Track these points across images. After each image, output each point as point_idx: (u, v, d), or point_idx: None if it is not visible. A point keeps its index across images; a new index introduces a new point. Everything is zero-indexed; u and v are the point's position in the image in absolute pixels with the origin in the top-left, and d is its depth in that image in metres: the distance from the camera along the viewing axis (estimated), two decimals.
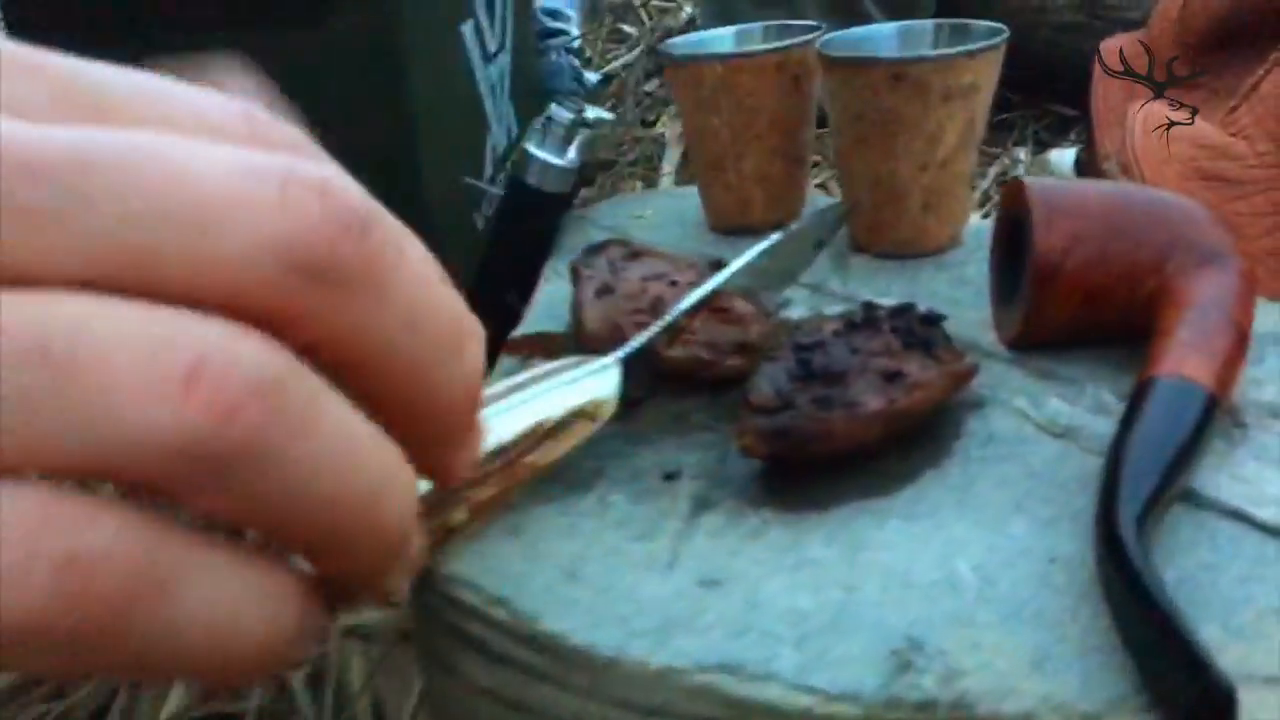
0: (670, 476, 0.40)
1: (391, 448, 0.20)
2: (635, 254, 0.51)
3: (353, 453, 0.19)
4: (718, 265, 0.49)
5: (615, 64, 1.26)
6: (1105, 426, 0.39)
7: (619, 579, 0.34)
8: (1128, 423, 0.35)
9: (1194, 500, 0.35)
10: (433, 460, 0.22)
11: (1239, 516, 0.34)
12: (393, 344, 0.20)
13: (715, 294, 0.45)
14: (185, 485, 0.17)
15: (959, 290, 0.52)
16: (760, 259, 0.48)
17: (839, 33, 0.57)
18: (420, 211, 0.66)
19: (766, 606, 0.33)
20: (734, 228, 0.63)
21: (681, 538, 0.36)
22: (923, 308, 0.42)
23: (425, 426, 0.21)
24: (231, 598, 0.18)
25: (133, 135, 0.17)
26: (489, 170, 0.81)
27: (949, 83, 0.51)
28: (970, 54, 0.51)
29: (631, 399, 0.45)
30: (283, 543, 0.19)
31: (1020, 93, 1.00)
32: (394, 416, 0.20)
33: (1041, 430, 0.40)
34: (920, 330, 0.40)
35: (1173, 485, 0.33)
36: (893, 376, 0.38)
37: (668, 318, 0.43)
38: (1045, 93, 0.98)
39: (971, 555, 0.34)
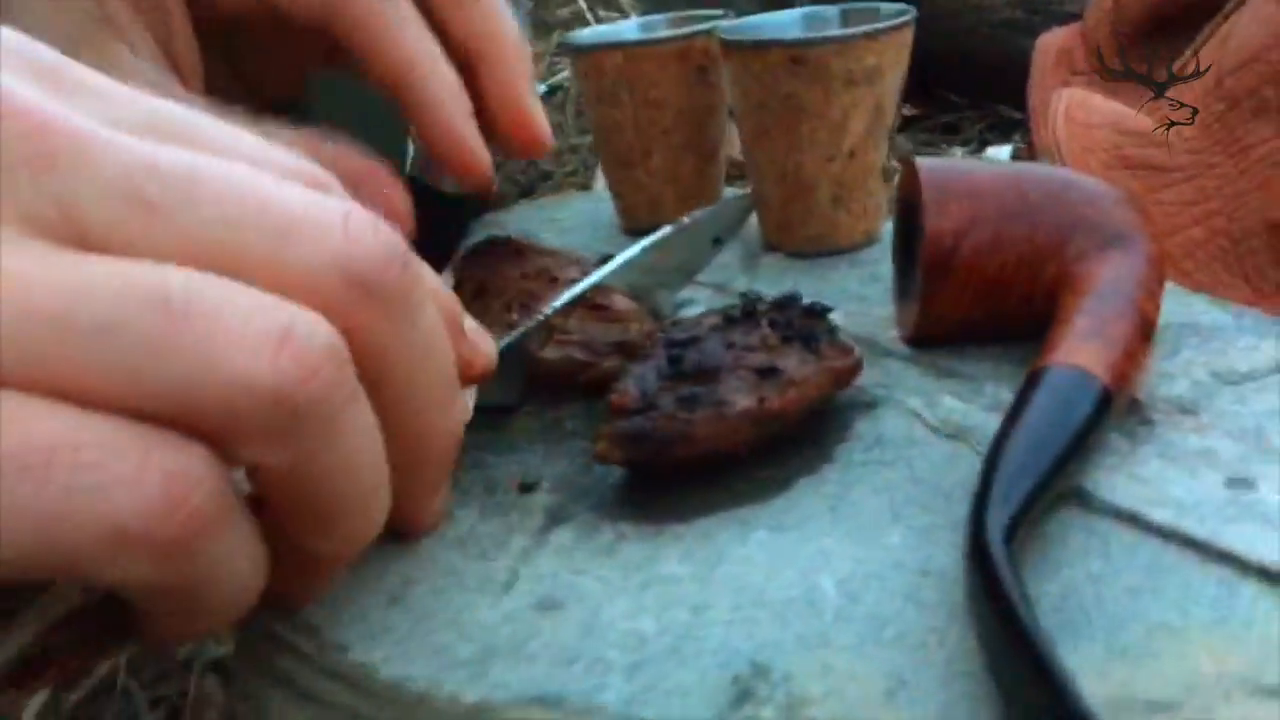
0: (527, 488, 0.36)
1: (386, 467, 0.25)
2: (518, 251, 0.47)
3: (376, 448, 0.24)
4: (605, 261, 0.45)
5: (561, 75, 1.23)
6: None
7: (446, 603, 0.31)
8: (1011, 418, 0.31)
9: (1086, 503, 0.31)
10: (405, 498, 0.27)
11: (1134, 520, 0.30)
12: (411, 369, 0.25)
13: (595, 291, 0.42)
14: (262, 430, 0.21)
15: (869, 287, 0.49)
16: (648, 254, 0.44)
17: (740, 20, 0.54)
18: None
19: (604, 631, 0.29)
20: (646, 228, 0.59)
21: (526, 556, 0.33)
22: (809, 300, 0.39)
23: (413, 465, 0.27)
24: (246, 549, 0.23)
25: (228, 162, 0.22)
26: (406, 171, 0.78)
27: (851, 66, 0.48)
28: (872, 35, 0.48)
29: (500, 406, 0.41)
30: (291, 509, 0.24)
31: (967, 95, 0.98)
32: (395, 432, 0.25)
33: (933, 431, 0.36)
34: (801, 323, 0.37)
35: (1055, 486, 0.29)
36: (766, 373, 0.35)
37: (537, 317, 0.40)
38: (991, 94, 0.95)
39: (837, 569, 0.30)
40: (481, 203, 0.66)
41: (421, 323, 0.25)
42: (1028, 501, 0.28)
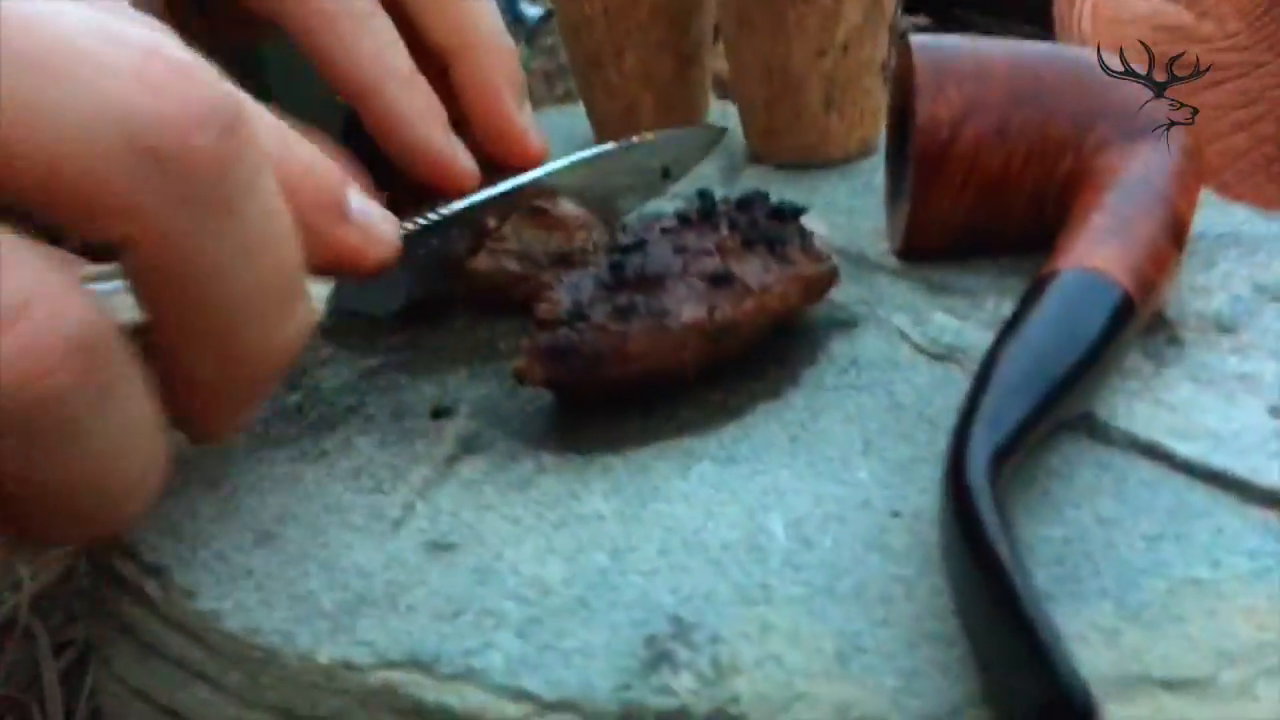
0: (440, 413, 0.31)
1: (158, 446, 0.20)
2: None
3: (140, 447, 0.19)
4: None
5: None
6: None
7: (322, 544, 0.26)
8: (1009, 328, 0.26)
9: (1099, 433, 0.26)
10: (204, 416, 0.22)
11: (1157, 454, 0.25)
12: (221, 270, 0.19)
13: (538, 194, 0.36)
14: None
15: (861, 199, 0.43)
16: (576, 172, 0.38)
17: None
18: None
19: (501, 578, 0.24)
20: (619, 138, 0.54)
21: (426, 489, 0.27)
22: (776, 199, 0.33)
23: (220, 387, 0.21)
24: (138, 421, 0.19)
25: None
26: None
27: None
28: None
29: (375, 313, 0.36)
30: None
31: (989, 15, 0.90)
32: (195, 358, 0.20)
33: (919, 352, 0.31)
34: (766, 225, 0.31)
35: (1059, 410, 0.24)
36: (720, 280, 0.29)
37: (447, 209, 0.34)
38: (1015, 14, 0.88)
39: (790, 508, 0.25)
40: None
41: (249, 209, 0.19)
42: (1022, 426, 0.22)
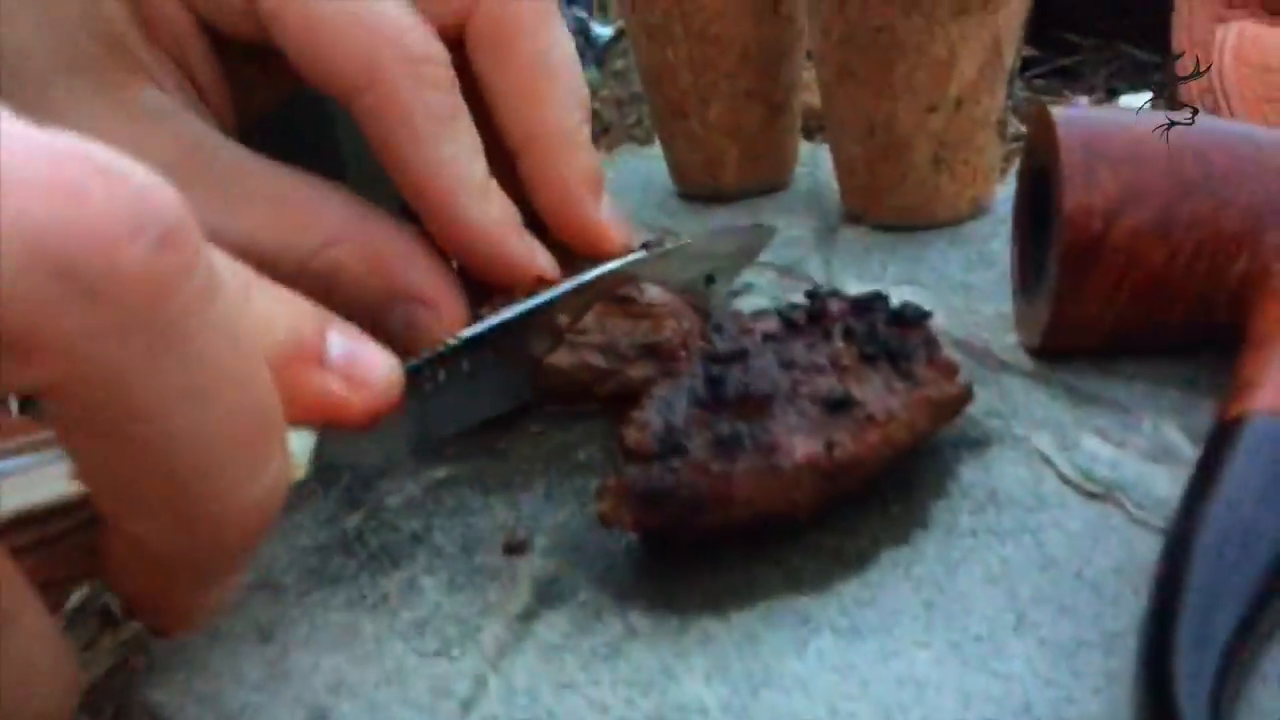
0: (513, 549, 0.27)
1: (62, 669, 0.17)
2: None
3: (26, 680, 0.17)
4: (650, 246, 0.35)
5: None
6: (1167, 484, 0.26)
7: None
8: (1199, 490, 0.21)
9: None
10: (163, 601, 0.19)
11: None
12: (168, 415, 0.15)
13: (621, 281, 0.32)
14: None
15: (976, 274, 0.39)
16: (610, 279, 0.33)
17: None
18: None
19: None
20: (702, 191, 0.50)
21: (502, 654, 0.24)
22: (899, 298, 0.29)
23: (177, 558, 0.18)
24: (43, 649, 0.17)
25: None
26: None
27: None
28: None
29: (379, 463, 0.32)
30: None
31: (1088, 35, 0.85)
32: (145, 528, 0.17)
33: (1068, 486, 0.26)
34: (887, 334, 0.27)
35: (1276, 605, 0.19)
36: (838, 405, 0.25)
37: (520, 305, 0.30)
38: (1118, 33, 0.82)
39: (934, 710, 0.21)
40: None
41: (198, 339, 0.15)
42: (1236, 638, 0.18)
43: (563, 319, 0.31)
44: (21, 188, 0.13)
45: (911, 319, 0.28)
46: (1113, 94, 0.79)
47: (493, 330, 0.30)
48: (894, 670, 0.22)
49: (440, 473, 0.31)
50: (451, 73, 0.30)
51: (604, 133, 0.95)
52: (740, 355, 0.27)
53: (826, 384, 0.26)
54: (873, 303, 0.28)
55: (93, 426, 0.15)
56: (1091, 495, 0.26)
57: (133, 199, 0.14)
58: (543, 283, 0.32)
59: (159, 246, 0.14)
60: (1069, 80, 0.81)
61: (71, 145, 0.14)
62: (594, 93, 1.00)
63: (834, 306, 0.28)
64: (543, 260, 0.31)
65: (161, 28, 0.31)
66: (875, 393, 0.26)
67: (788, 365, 0.27)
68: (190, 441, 0.16)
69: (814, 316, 0.28)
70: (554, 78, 0.32)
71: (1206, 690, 0.17)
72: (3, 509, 0.17)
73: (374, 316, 0.30)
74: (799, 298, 0.31)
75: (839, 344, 0.27)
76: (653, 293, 0.32)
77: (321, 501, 0.30)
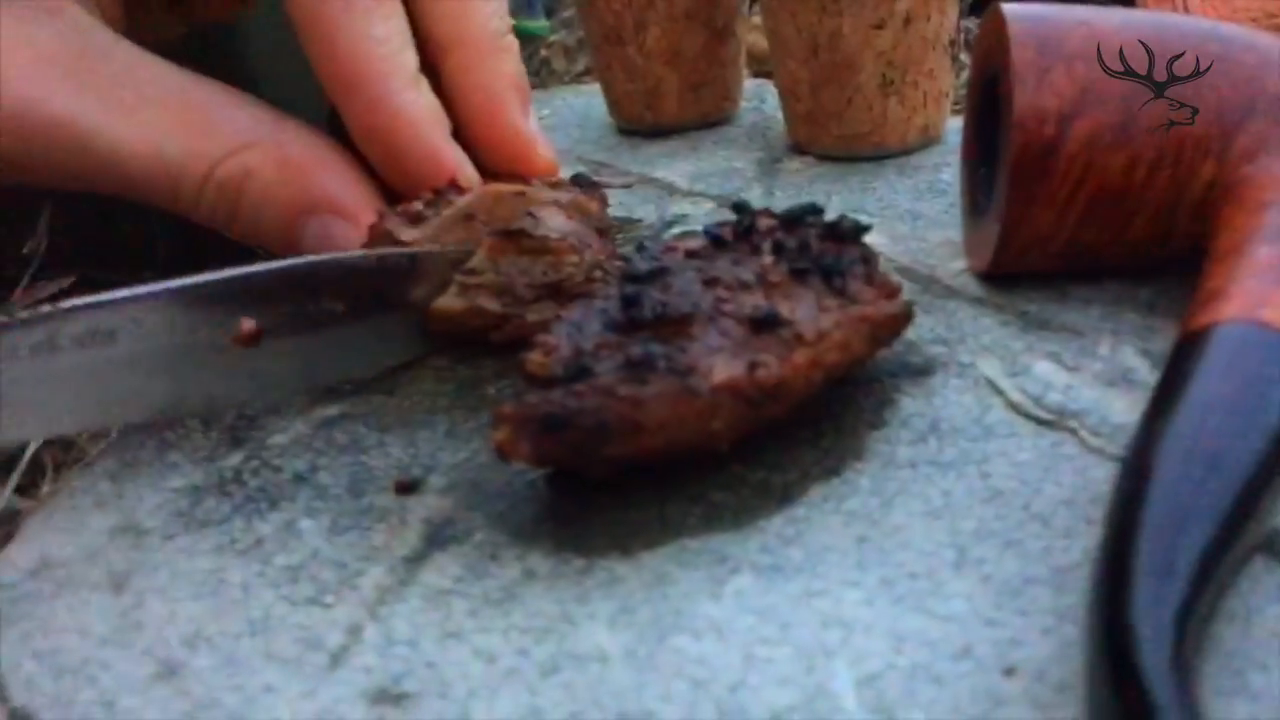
0: (406, 488, 0.24)
1: None
2: None
3: None
4: (579, 179, 0.32)
5: None
6: (1124, 409, 0.23)
7: (238, 684, 0.19)
8: (1160, 407, 0.19)
9: None
10: None
11: None
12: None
13: (521, 203, 0.29)
14: None
15: (925, 202, 0.36)
16: None
17: None
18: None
19: None
20: (642, 125, 0.47)
21: (380, 603, 0.21)
22: (835, 213, 0.26)
23: None
24: None
25: None
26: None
27: None
28: None
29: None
30: None
31: None
32: None
33: (1018, 414, 0.24)
34: (821, 249, 0.25)
35: (1246, 532, 0.17)
36: (764, 323, 0.23)
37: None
38: None
39: (863, 655, 0.18)
40: None
41: None
42: (1205, 566, 0.16)
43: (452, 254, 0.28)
44: None
45: (847, 233, 0.25)
46: None
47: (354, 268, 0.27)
48: (818, 611, 0.19)
49: (333, 410, 0.28)
50: None
51: (549, 84, 0.91)
52: (660, 273, 0.24)
53: (752, 301, 0.23)
54: (805, 215, 0.26)
55: None
56: (1042, 423, 0.24)
57: None
58: (456, 189, 0.29)
59: None
60: None
61: None
62: (544, 40, 0.96)
63: (763, 222, 0.26)
64: (467, 169, 0.29)
65: None
66: (806, 311, 0.23)
67: (711, 283, 0.24)
68: None
69: (743, 233, 0.25)
70: None
71: (1168, 625, 0.15)
72: None
73: (284, 235, 0.28)
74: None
75: (767, 259, 0.24)
76: (552, 223, 0.29)
77: (200, 439, 0.27)
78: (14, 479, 0.32)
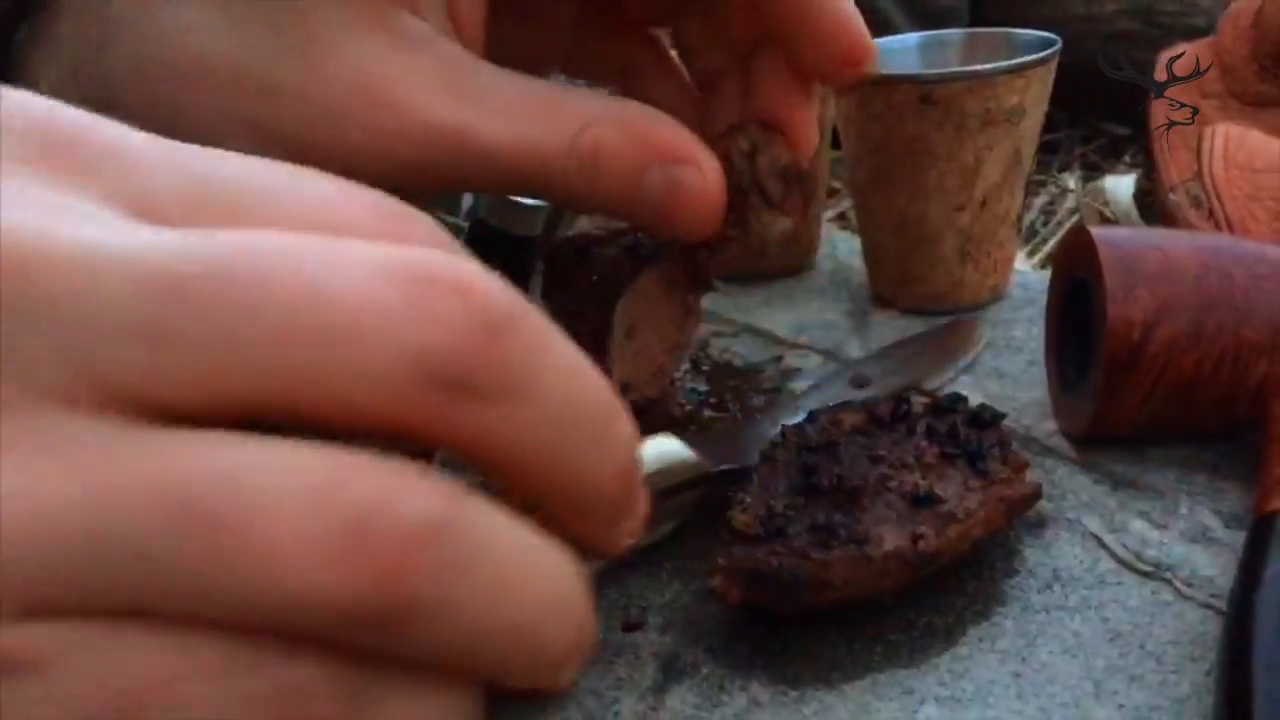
0: (632, 626, 0.30)
1: (557, 556, 0.18)
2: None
3: (520, 577, 0.18)
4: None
5: None
6: (1207, 563, 0.30)
7: None
8: (1249, 580, 0.25)
9: None
10: (593, 539, 0.20)
11: None
12: (538, 442, 0.18)
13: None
14: (347, 640, 0.16)
15: (1005, 359, 0.43)
16: None
17: None
18: None
19: None
20: (741, 273, 0.53)
21: None
22: (975, 400, 0.32)
23: (579, 512, 0.20)
24: (516, 545, 0.18)
25: (264, 242, 0.17)
26: (467, 204, 0.72)
27: (989, 105, 0.42)
28: (1015, 70, 0.41)
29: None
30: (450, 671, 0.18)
31: (1066, 109, 0.90)
32: (547, 506, 0.19)
33: (1124, 566, 0.30)
34: (966, 436, 0.31)
35: None
36: (923, 502, 0.29)
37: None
38: (1095, 109, 0.88)
39: None
40: (551, 242, 0.60)
41: (543, 389, 0.18)
42: None
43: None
44: (401, 317, 0.16)
45: (988, 421, 0.31)
46: (1087, 166, 0.85)
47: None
48: None
49: None
50: None
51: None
52: (830, 446, 0.31)
53: (912, 480, 0.30)
54: (953, 405, 0.32)
55: (470, 460, 0.18)
56: (1143, 574, 0.30)
57: (480, 308, 0.17)
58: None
59: (505, 339, 0.17)
60: (1046, 153, 0.86)
61: (427, 266, 0.17)
62: None
63: (916, 406, 0.32)
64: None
65: None
66: (955, 490, 0.30)
67: (875, 459, 0.30)
68: (557, 452, 0.19)
69: (898, 414, 0.32)
70: None
71: None
72: None
73: (632, 192, 0.32)
74: (841, 386, 0.34)
75: (923, 442, 0.31)
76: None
77: None
78: None
